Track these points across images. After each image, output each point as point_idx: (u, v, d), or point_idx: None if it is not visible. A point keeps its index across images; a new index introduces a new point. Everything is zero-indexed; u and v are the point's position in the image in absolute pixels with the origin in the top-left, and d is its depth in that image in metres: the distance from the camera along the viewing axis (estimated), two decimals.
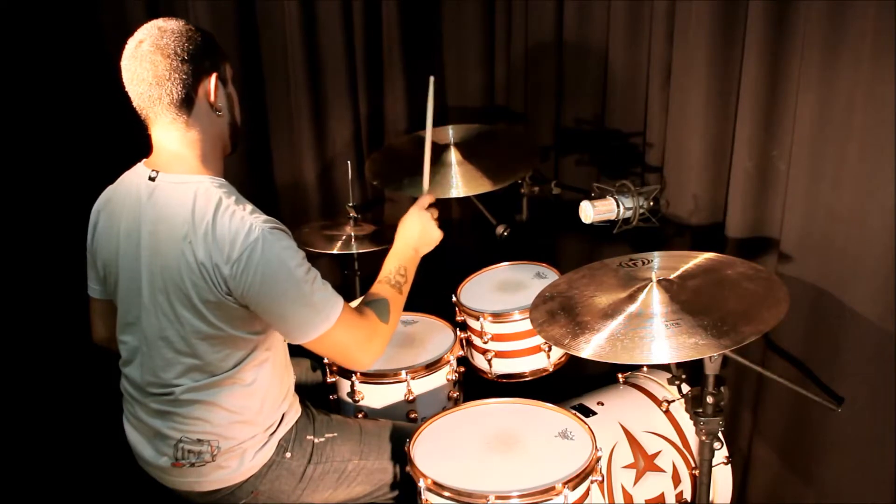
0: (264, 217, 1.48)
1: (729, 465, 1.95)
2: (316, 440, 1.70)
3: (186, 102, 1.48)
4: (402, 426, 1.82)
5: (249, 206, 1.49)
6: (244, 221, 1.45)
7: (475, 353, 2.10)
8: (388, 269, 1.73)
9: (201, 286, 1.46)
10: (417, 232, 1.78)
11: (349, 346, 1.57)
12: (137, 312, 1.55)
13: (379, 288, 1.70)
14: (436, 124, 2.36)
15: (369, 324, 1.61)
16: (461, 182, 2.10)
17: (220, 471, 1.58)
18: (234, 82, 1.61)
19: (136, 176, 1.56)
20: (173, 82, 1.45)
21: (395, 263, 1.74)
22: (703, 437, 1.62)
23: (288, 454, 1.65)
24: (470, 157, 2.18)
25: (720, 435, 1.63)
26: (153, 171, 1.52)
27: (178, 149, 1.52)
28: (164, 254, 1.48)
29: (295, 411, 1.70)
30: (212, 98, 1.52)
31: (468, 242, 2.87)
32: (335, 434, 1.73)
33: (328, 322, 1.51)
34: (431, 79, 1.82)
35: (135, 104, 1.50)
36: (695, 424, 1.63)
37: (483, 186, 2.09)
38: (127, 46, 1.48)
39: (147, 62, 1.44)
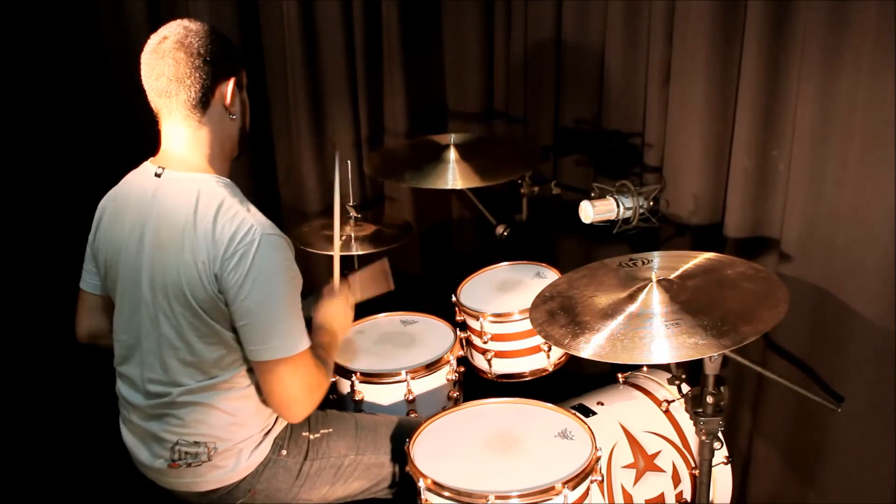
0: (269, 223, 1.48)
1: (729, 465, 1.95)
2: (311, 436, 1.69)
3: (202, 102, 1.49)
4: (399, 420, 1.82)
5: (253, 209, 1.49)
6: (245, 222, 1.44)
7: (475, 353, 2.10)
8: (319, 342, 1.64)
9: (196, 284, 1.46)
10: (340, 319, 1.76)
11: (295, 387, 1.50)
12: (137, 309, 1.55)
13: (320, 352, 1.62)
14: (437, 130, 2.38)
15: (320, 374, 1.55)
16: (458, 176, 2.11)
17: (217, 470, 1.58)
18: (247, 89, 1.62)
19: (142, 173, 1.56)
20: (192, 81, 1.46)
21: (325, 338, 1.67)
22: (703, 437, 1.62)
23: (284, 451, 1.64)
24: (469, 157, 2.19)
25: (720, 435, 1.63)
26: (159, 167, 1.52)
27: (186, 147, 1.52)
28: (165, 251, 1.48)
29: None
30: (227, 101, 1.53)
31: (468, 242, 2.87)
32: (330, 430, 1.72)
33: (293, 350, 1.47)
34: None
35: (149, 98, 1.50)
36: (695, 424, 1.63)
37: (480, 181, 2.09)
38: (150, 41, 1.49)
39: (169, 58, 1.45)
